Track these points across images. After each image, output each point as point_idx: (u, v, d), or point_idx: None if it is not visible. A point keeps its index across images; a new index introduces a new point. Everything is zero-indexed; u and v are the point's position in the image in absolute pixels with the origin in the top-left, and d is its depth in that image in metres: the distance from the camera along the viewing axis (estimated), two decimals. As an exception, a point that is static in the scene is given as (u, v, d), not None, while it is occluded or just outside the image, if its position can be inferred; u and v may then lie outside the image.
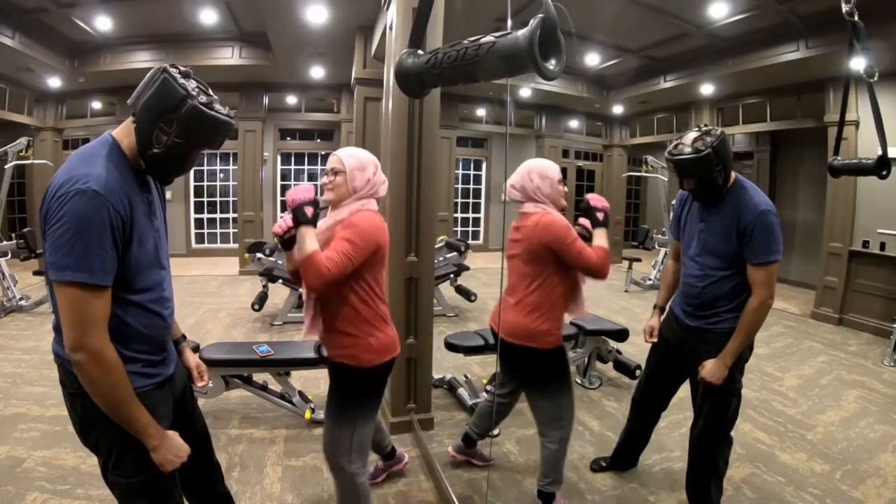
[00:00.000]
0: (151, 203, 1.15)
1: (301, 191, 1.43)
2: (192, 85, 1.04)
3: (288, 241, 1.50)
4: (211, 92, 1.10)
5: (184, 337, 1.40)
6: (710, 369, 1.72)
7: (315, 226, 1.43)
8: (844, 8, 1.88)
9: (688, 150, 1.65)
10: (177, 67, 1.05)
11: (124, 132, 1.08)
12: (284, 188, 8.51)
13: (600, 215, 1.79)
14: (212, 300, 5.38)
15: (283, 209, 8.09)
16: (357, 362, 1.54)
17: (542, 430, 1.87)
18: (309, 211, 1.41)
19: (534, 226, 1.72)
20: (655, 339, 2.03)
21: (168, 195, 1.41)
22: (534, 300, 1.76)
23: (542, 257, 1.73)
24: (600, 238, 1.77)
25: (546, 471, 1.89)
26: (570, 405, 1.87)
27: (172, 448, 1.12)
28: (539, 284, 1.76)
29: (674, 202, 2.02)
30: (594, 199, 1.82)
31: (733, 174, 1.75)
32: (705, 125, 1.72)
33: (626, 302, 5.81)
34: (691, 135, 1.69)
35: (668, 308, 2.04)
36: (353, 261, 1.42)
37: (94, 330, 0.98)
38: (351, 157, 1.54)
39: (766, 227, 1.65)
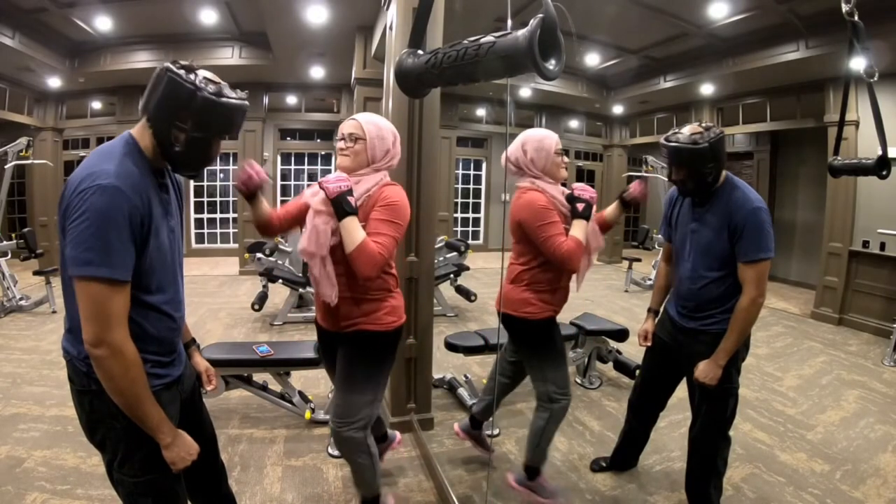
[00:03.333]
0: (168, 204, 1.15)
1: (338, 180, 1.41)
2: (198, 77, 1.05)
3: (251, 196, 1.53)
4: (218, 79, 1.10)
5: (193, 341, 1.41)
6: (704, 369, 1.72)
7: (357, 215, 1.41)
8: (844, 8, 1.88)
9: (685, 139, 1.63)
10: (178, 63, 1.05)
11: (141, 132, 1.09)
12: (284, 188, 8.52)
13: (580, 206, 1.71)
14: (212, 300, 5.38)
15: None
16: (380, 326, 1.55)
17: (537, 402, 1.87)
18: (352, 200, 1.39)
19: (515, 200, 1.73)
20: (650, 343, 2.03)
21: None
22: (516, 271, 1.81)
23: (520, 233, 1.74)
24: (576, 229, 1.69)
25: (529, 444, 1.90)
26: (558, 379, 1.82)
27: (184, 446, 1.12)
28: (520, 257, 1.80)
29: (663, 200, 2.00)
30: (579, 188, 1.76)
31: (724, 173, 1.74)
32: (706, 123, 1.70)
33: (625, 302, 5.81)
34: (691, 126, 1.67)
35: (662, 309, 2.04)
36: (398, 241, 1.46)
37: (115, 326, 0.98)
38: (372, 124, 1.49)
39: (757, 225, 1.63)
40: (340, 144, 1.49)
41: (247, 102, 1.13)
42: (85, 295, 0.97)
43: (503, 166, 1.80)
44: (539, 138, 1.74)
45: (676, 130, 1.69)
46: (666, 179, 7.40)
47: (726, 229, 1.67)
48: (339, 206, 1.38)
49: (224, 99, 1.06)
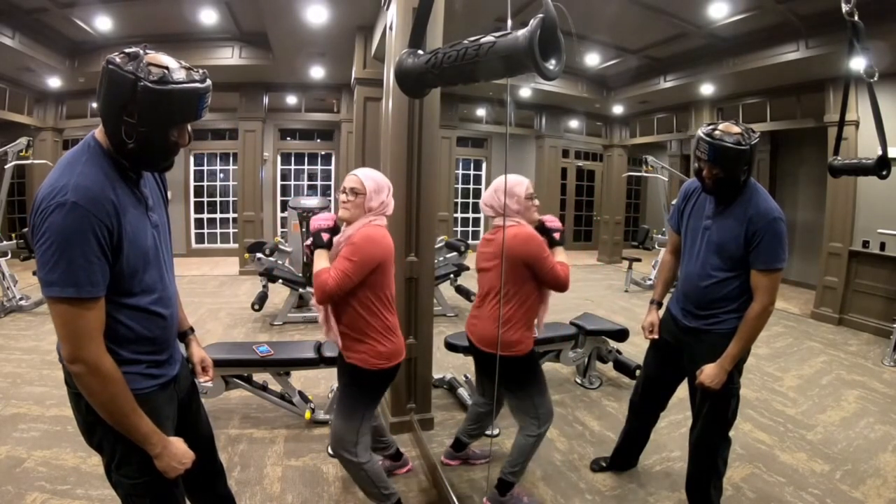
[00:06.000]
0: (147, 198, 1.11)
1: (322, 219, 1.67)
2: (141, 64, 0.95)
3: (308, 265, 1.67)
4: (170, 62, 0.99)
5: (192, 329, 1.39)
6: (709, 374, 1.71)
7: (329, 249, 1.65)
8: (844, 8, 1.88)
9: (729, 139, 1.60)
10: (122, 51, 0.97)
11: (102, 131, 1.04)
12: (284, 188, 8.52)
13: (557, 235, 1.88)
14: (212, 300, 5.38)
15: (283, 209, 8.10)
16: (366, 365, 1.68)
17: (520, 424, 1.95)
18: (325, 236, 1.64)
19: (511, 238, 1.75)
20: (657, 336, 2.00)
21: (168, 195, 1.41)
22: (506, 312, 1.82)
23: (519, 271, 1.78)
24: (561, 255, 1.86)
25: (513, 460, 1.94)
26: (546, 404, 1.92)
27: (176, 455, 1.11)
28: (513, 297, 1.81)
29: (680, 190, 1.97)
30: (549, 220, 1.91)
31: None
32: (743, 124, 1.67)
33: (625, 302, 5.81)
34: (725, 125, 1.65)
35: (665, 308, 2.03)
36: (351, 277, 1.57)
37: (88, 343, 0.97)
38: (370, 179, 1.67)
39: (776, 235, 1.64)
40: (342, 198, 1.67)
41: (200, 84, 1.00)
42: (55, 315, 0.97)
43: (482, 211, 1.93)
44: (510, 185, 1.82)
45: (717, 128, 1.65)
46: (665, 180, 7.39)
47: (743, 233, 1.66)
48: (314, 238, 1.64)
49: (170, 86, 0.95)
